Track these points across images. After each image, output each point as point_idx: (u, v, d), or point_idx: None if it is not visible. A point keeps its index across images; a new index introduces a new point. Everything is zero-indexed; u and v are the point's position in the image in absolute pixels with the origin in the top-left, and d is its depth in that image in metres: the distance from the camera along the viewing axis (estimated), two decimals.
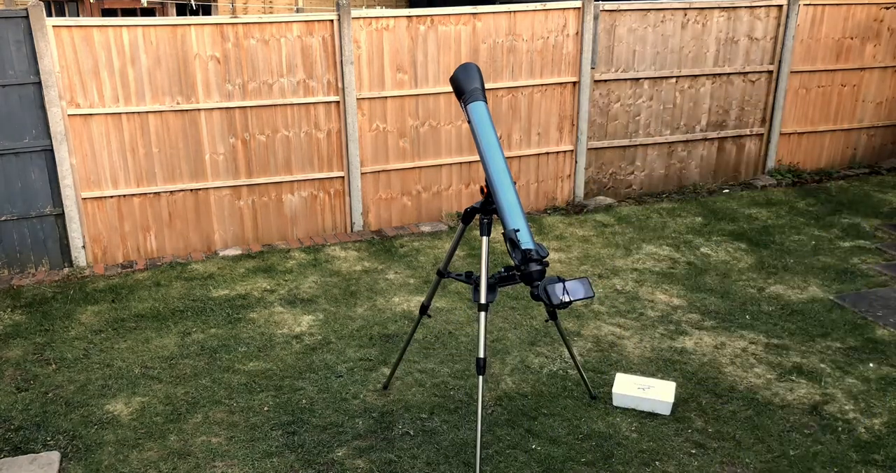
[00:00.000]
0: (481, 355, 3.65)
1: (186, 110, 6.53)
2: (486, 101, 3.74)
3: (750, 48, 8.24)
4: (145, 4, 14.97)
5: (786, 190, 8.45)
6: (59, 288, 6.13)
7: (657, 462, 3.97)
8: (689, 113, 8.28)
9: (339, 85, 6.88)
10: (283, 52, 6.65)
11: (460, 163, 7.54)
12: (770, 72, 8.41)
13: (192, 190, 6.76)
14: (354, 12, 6.73)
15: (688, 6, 7.83)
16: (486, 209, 3.73)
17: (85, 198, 6.47)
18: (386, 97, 7.07)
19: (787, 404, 4.48)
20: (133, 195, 6.61)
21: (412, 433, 4.21)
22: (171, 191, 6.70)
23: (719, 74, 8.23)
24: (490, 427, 4.24)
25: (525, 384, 4.69)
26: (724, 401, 4.50)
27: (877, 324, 5.40)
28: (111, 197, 6.55)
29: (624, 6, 7.62)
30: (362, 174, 7.20)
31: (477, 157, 7.36)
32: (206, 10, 15.81)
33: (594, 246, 6.89)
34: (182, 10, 15.62)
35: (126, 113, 6.38)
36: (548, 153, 7.85)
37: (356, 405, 4.49)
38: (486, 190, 3.68)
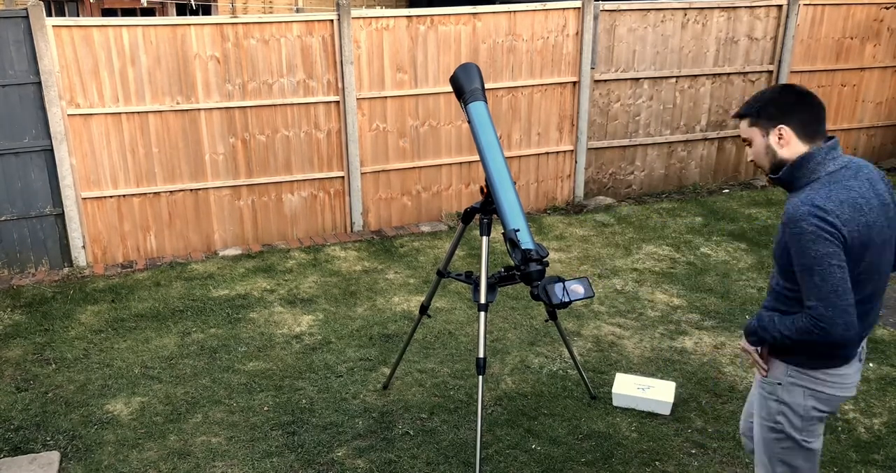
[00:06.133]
0: (481, 355, 3.65)
1: (186, 110, 6.53)
2: (486, 101, 3.74)
3: (750, 48, 8.24)
4: (145, 4, 14.98)
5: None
6: (59, 288, 6.13)
7: (657, 462, 3.97)
8: (688, 113, 8.29)
9: (339, 85, 6.88)
10: (282, 52, 6.65)
11: (460, 163, 7.54)
12: (770, 72, 8.41)
13: (191, 190, 6.76)
14: (354, 12, 6.73)
15: (688, 6, 7.83)
16: (486, 209, 3.73)
17: (85, 198, 6.47)
18: (386, 97, 7.08)
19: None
20: (133, 195, 6.61)
21: (412, 433, 4.21)
22: (171, 191, 6.71)
23: (719, 74, 8.24)
24: (490, 427, 4.24)
25: (525, 384, 4.69)
26: (724, 401, 4.50)
27: (877, 324, 5.39)
28: (111, 197, 6.55)
29: (624, 6, 7.62)
30: (362, 174, 7.20)
31: (477, 157, 7.36)
32: (206, 10, 15.81)
33: (594, 246, 6.89)
34: (182, 10, 15.63)
35: (126, 113, 6.38)
36: (548, 153, 7.85)
37: (356, 405, 4.49)
38: (485, 190, 3.68)
